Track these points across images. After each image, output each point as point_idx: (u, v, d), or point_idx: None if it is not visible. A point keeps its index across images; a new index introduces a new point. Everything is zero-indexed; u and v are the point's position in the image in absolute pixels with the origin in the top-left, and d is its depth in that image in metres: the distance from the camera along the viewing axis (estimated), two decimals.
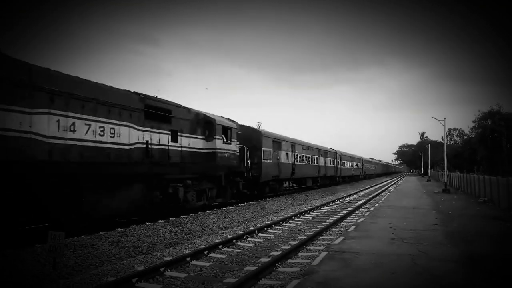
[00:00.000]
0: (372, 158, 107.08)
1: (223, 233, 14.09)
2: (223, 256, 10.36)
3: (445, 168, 39.29)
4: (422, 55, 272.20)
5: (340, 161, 50.19)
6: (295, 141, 33.00)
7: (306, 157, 35.44)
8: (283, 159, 29.03)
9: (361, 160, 70.42)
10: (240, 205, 21.11)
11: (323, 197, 30.65)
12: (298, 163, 32.73)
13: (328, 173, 43.72)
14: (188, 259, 9.63)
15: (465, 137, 76.57)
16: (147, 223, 13.80)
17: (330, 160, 44.92)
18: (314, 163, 38.19)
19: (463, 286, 6.82)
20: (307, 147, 36.34)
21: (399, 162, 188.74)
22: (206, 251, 10.51)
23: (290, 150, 30.97)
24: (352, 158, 60.95)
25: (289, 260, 9.77)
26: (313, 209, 21.43)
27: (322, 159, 41.22)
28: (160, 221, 14.51)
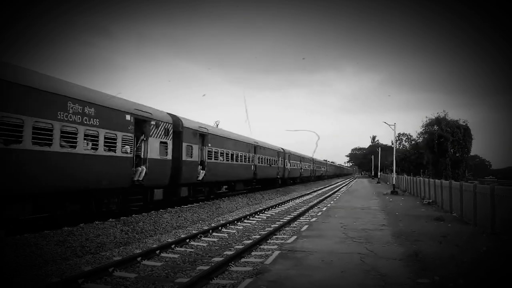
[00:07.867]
0: (326, 160, 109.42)
1: (176, 232, 13.87)
2: (176, 256, 10.19)
3: (394, 171, 40.99)
4: (374, 60, 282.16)
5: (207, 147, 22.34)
6: None
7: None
8: None
9: (278, 153, 40.96)
10: (195, 204, 20.87)
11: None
12: None
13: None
14: (138, 259, 9.39)
15: (413, 142, 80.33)
16: (97, 222, 13.29)
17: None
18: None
19: (408, 283, 7.13)
20: None
21: (351, 164, 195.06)
22: (158, 251, 10.29)
23: None
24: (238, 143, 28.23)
25: (243, 260, 9.77)
26: (268, 208, 21.65)
27: None
28: (110, 220, 14.03)
